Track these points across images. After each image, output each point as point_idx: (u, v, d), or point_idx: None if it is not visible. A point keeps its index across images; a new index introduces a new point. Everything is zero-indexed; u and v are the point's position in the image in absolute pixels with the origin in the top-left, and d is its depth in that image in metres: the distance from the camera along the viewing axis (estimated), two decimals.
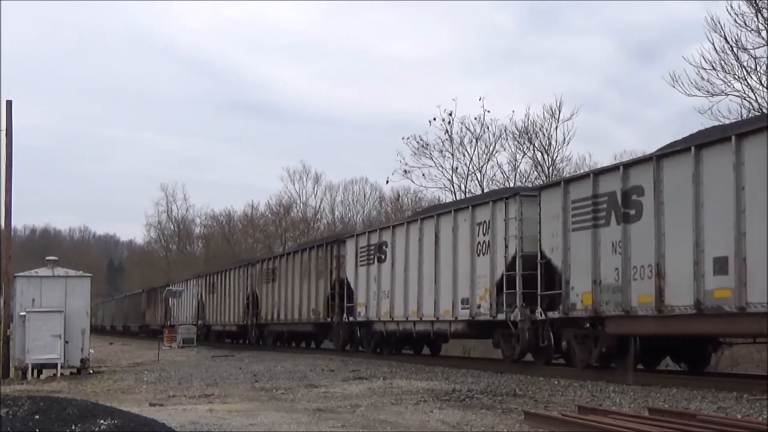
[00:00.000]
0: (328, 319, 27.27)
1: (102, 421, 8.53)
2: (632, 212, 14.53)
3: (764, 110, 24.01)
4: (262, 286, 34.01)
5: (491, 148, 41.42)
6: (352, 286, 25.42)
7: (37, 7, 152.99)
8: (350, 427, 9.81)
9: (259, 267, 34.88)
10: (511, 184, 38.68)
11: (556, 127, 39.24)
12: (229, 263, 44.78)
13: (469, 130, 41.49)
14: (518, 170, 40.53)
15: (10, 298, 22.57)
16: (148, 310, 54.90)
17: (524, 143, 40.18)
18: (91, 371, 21.84)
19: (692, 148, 13.43)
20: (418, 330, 22.01)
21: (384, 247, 23.50)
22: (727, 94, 25.28)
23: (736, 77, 25.17)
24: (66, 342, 21.13)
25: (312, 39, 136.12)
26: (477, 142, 41.52)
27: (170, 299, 46.29)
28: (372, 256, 24.28)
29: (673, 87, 26.58)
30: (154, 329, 51.38)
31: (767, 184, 12.06)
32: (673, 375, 15.05)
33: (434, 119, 41.32)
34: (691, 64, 26.52)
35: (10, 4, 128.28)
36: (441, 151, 41.99)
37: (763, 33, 24.27)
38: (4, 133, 22.37)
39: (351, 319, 25.60)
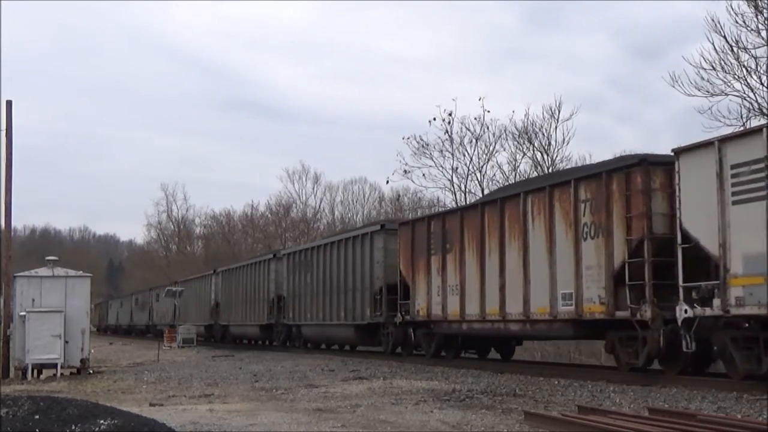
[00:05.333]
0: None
1: (102, 421, 8.52)
2: None
3: (764, 110, 24.00)
4: (418, 263, 21.39)
5: (491, 148, 41.39)
6: None
7: (37, 7, 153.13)
8: (350, 427, 9.81)
9: (412, 228, 21.59)
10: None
11: (556, 127, 39.21)
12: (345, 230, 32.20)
13: (469, 130, 41.47)
14: (518, 170, 40.53)
15: (10, 298, 22.55)
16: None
17: (524, 143, 40.17)
18: (91, 371, 21.84)
19: None
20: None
21: None
22: (727, 94, 25.22)
23: (736, 77, 25.12)
24: (66, 342, 21.13)
25: (312, 38, 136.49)
26: (477, 142, 41.48)
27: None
28: None
29: (673, 87, 26.53)
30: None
31: None
32: (673, 375, 15.03)
33: (434, 119, 41.28)
34: (691, 64, 26.45)
35: (10, 4, 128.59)
36: (441, 151, 41.97)
37: (763, 33, 24.22)
38: (4, 133, 22.39)
39: None
